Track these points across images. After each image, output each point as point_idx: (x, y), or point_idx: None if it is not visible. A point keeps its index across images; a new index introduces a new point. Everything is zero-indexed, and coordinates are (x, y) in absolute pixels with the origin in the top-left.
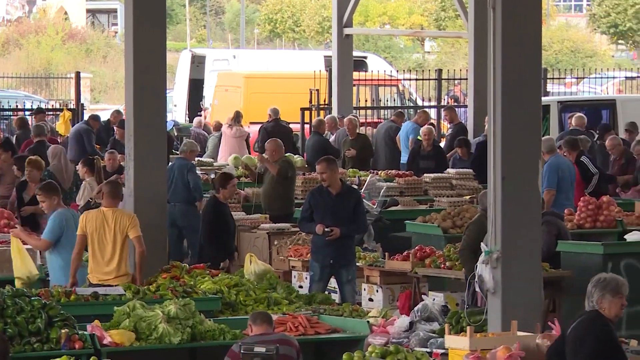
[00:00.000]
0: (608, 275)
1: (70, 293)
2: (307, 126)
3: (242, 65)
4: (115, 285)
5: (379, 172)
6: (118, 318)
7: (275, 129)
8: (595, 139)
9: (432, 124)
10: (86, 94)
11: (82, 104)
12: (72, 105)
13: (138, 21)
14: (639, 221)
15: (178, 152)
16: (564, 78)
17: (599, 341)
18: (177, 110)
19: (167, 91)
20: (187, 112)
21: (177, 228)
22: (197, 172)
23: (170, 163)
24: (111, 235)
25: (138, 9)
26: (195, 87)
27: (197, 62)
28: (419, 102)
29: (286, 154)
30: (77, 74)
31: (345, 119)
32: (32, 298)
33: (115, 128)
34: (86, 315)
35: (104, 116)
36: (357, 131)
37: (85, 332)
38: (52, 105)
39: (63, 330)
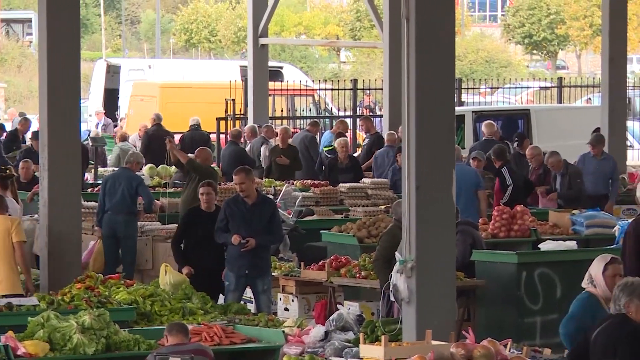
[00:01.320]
0: (635, 279)
1: None
2: (222, 136)
3: (157, 75)
4: (29, 296)
5: (295, 182)
6: (32, 329)
7: (194, 137)
8: (513, 147)
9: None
10: (0, 104)
11: None
12: None
13: (52, 31)
14: (552, 230)
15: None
16: (479, 88)
17: (631, 347)
18: (92, 120)
19: (82, 101)
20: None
21: (116, 238)
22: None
23: (111, 174)
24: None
25: (52, 19)
26: (111, 97)
27: (113, 72)
28: (335, 112)
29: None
30: None
31: (279, 129)
32: None
33: (27, 137)
34: (0, 326)
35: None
36: (290, 142)
37: None
38: None
39: None
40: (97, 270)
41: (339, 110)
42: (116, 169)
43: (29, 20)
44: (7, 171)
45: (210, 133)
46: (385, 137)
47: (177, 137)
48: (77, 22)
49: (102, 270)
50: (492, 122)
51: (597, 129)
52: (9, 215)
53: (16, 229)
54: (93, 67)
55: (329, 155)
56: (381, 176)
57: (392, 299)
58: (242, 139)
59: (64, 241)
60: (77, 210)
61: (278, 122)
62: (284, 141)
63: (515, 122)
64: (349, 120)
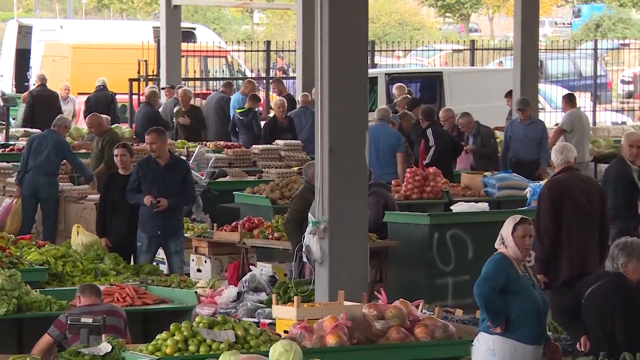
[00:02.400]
0: (634, 239)
1: None
2: (135, 97)
3: (69, 36)
4: None
5: (208, 144)
6: None
7: (99, 98)
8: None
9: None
10: None
11: None
12: None
13: None
14: (465, 192)
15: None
16: (392, 50)
17: (629, 306)
18: (3, 81)
19: None
20: (14, 82)
21: (36, 199)
22: None
23: (38, 134)
24: None
25: None
26: (22, 57)
27: (24, 32)
28: (248, 74)
29: (113, 126)
30: None
31: (179, 91)
32: None
33: None
34: None
35: None
36: (191, 103)
37: None
38: None
39: None
40: (14, 230)
41: (252, 72)
42: (21, 129)
43: None
44: None
45: (116, 94)
46: (299, 99)
47: (84, 98)
48: None
49: (18, 230)
50: (402, 84)
51: (510, 92)
52: None
53: None
54: (4, 28)
55: (241, 117)
56: (298, 137)
57: (304, 260)
58: (156, 100)
59: None
60: None
61: (191, 83)
62: (185, 103)
63: (428, 85)
64: (262, 84)
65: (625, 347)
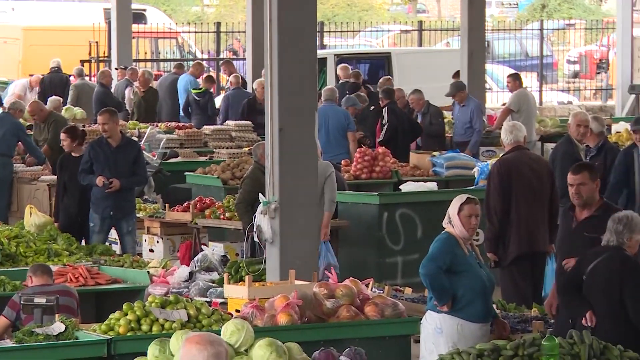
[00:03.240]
0: (632, 215)
1: None
2: (87, 78)
3: (20, 18)
4: None
5: (159, 124)
6: None
7: (54, 80)
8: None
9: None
10: None
11: None
12: None
13: None
14: (413, 172)
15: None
16: (341, 31)
17: (634, 278)
18: None
19: None
20: None
21: None
22: None
23: None
24: None
25: None
26: None
27: None
28: (199, 55)
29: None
30: None
31: (140, 71)
32: None
33: None
34: None
35: None
36: (150, 85)
37: None
38: None
39: None
40: None
41: (202, 53)
42: None
43: None
44: None
45: (69, 75)
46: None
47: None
48: None
49: None
50: (347, 65)
51: (457, 72)
52: None
53: None
54: None
55: (197, 98)
56: None
57: (255, 239)
58: (109, 81)
59: None
60: None
61: (142, 64)
62: (144, 84)
63: (376, 65)
64: (213, 65)
65: (635, 319)
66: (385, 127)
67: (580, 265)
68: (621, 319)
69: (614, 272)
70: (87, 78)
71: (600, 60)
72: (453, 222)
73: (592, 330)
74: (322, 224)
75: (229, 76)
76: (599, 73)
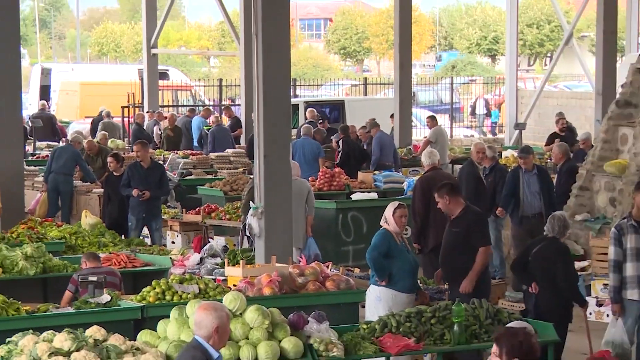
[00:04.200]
0: (563, 214)
1: None
2: (125, 119)
3: (78, 76)
4: None
5: (178, 152)
6: None
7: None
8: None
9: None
10: None
11: None
12: None
13: (1, 43)
14: (360, 185)
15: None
16: (308, 85)
17: (564, 259)
18: (30, 108)
19: (23, 94)
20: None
21: (57, 192)
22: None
23: (60, 146)
24: None
25: (1, 36)
26: (44, 91)
27: (45, 73)
28: (207, 102)
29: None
30: None
31: (169, 114)
32: None
33: None
34: None
35: None
36: (175, 123)
37: None
38: None
39: None
40: (42, 214)
41: (209, 100)
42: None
43: None
44: None
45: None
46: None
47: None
48: (17, 37)
49: (45, 214)
50: (313, 109)
51: (392, 115)
52: None
53: None
54: (31, 70)
55: (208, 132)
56: None
57: (247, 234)
58: (143, 121)
59: (8, 197)
60: (21, 173)
61: (166, 109)
62: (171, 123)
63: (334, 109)
64: (217, 109)
65: (565, 288)
66: (341, 153)
67: (527, 249)
68: (555, 287)
69: (551, 255)
70: (112, 118)
71: (494, 105)
72: (388, 221)
73: (536, 295)
74: (307, 223)
75: (229, 118)
76: (493, 114)
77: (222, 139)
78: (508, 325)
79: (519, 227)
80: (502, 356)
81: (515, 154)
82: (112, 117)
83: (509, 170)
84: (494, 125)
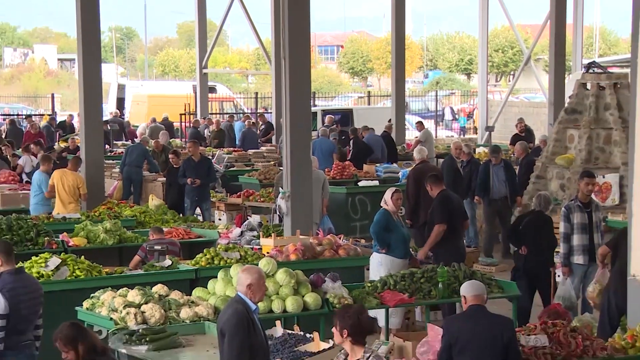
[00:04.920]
0: (546, 194)
1: (50, 217)
2: (183, 124)
3: (146, 89)
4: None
5: (224, 149)
6: (77, 231)
7: (165, 125)
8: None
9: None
10: (58, 105)
11: (55, 112)
12: (49, 112)
13: (86, 65)
14: (365, 175)
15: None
16: (325, 97)
17: (549, 230)
18: (108, 116)
19: (103, 104)
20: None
21: (130, 180)
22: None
23: (132, 145)
24: (69, 187)
25: (86, 59)
26: (120, 102)
27: (121, 88)
28: (245, 111)
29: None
30: (52, 95)
31: (214, 120)
32: (28, 220)
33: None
34: (59, 229)
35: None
36: (220, 127)
37: (59, 239)
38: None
39: (46, 238)
40: (118, 198)
41: (247, 109)
42: (119, 142)
43: (74, 59)
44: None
45: (173, 122)
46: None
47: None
48: (99, 60)
49: (120, 198)
50: (331, 115)
51: (389, 120)
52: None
53: (82, 184)
54: (110, 86)
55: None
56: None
57: (277, 213)
58: (198, 125)
59: (94, 183)
60: (101, 165)
61: (214, 116)
62: (217, 126)
63: (345, 116)
64: (254, 116)
65: (547, 249)
66: (351, 151)
67: (519, 219)
68: (542, 248)
69: (537, 224)
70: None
71: (469, 112)
72: (387, 202)
73: (525, 255)
74: (323, 205)
75: (263, 123)
76: (468, 119)
77: (251, 139)
78: (355, 303)
79: (488, 208)
80: (336, 329)
81: (487, 151)
82: (157, 122)
83: (482, 163)
84: (462, 128)
